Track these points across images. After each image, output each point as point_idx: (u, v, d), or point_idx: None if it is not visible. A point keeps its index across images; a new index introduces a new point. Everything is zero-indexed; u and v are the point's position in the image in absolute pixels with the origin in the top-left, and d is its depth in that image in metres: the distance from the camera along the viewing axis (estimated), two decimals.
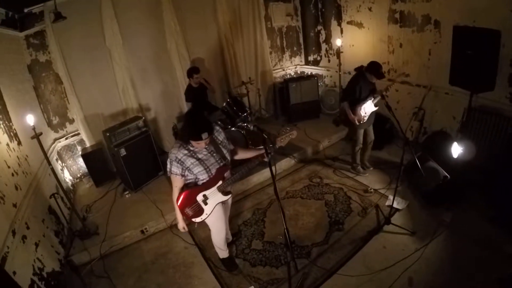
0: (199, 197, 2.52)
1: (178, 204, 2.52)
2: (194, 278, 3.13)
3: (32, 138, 3.18)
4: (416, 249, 3.07)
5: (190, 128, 2.31)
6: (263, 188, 4.52)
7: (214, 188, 2.55)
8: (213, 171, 2.48)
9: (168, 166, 2.44)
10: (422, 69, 4.56)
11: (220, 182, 2.55)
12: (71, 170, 5.04)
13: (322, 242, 3.39)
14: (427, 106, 4.59)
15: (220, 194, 2.59)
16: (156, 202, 4.18)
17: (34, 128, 3.15)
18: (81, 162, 4.93)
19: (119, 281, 3.17)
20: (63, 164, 4.87)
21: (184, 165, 2.41)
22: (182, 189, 2.52)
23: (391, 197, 3.74)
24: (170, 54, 5.30)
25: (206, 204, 2.56)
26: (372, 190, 4.10)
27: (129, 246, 3.69)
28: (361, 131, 4.18)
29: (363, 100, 3.90)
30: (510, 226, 3.03)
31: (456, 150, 3.41)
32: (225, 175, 2.59)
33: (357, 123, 4.00)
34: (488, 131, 3.74)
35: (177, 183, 2.50)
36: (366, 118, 3.98)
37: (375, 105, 3.97)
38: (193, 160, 2.41)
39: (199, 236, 3.69)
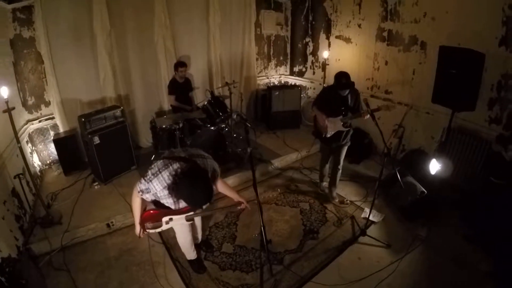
0: (165, 219, 2.38)
1: (141, 219, 2.33)
2: (159, 277, 2.89)
3: (4, 112, 2.90)
4: (391, 262, 3.01)
5: (193, 197, 1.95)
6: (237, 192, 4.32)
7: (182, 216, 2.41)
8: (184, 207, 2.36)
9: (142, 187, 2.12)
10: (405, 87, 4.65)
11: (191, 213, 2.44)
12: (41, 155, 4.68)
13: (295, 250, 3.26)
14: (407, 124, 4.67)
15: (184, 220, 2.46)
16: (126, 196, 3.89)
17: (7, 102, 2.87)
18: (52, 148, 4.63)
19: (78, 276, 2.88)
20: (33, 148, 4.51)
21: (158, 198, 2.21)
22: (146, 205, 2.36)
23: (367, 210, 3.69)
24: (156, 47, 5.13)
25: (167, 223, 2.43)
26: (348, 201, 4.04)
27: (92, 240, 3.41)
28: (325, 148, 3.89)
29: (332, 113, 3.49)
30: (485, 245, 3.05)
31: (435, 166, 3.45)
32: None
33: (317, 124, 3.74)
34: (466, 152, 3.83)
35: (140, 199, 2.27)
36: (329, 134, 3.57)
37: (344, 125, 3.47)
38: (170, 201, 2.23)
39: (168, 234, 3.45)
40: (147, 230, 2.42)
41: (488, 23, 3.54)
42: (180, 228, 2.62)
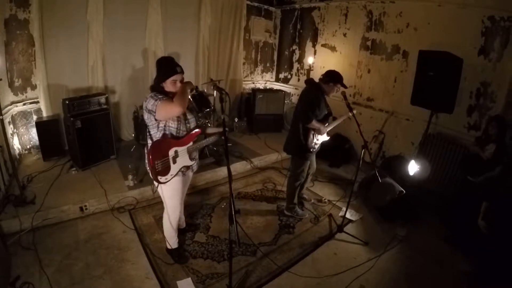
0: (171, 152, 2.33)
1: (150, 157, 2.23)
2: (126, 262, 2.73)
3: None
4: (369, 259, 2.96)
5: (166, 66, 2.30)
6: (215, 186, 4.24)
7: (185, 148, 2.41)
8: (190, 125, 2.43)
9: (155, 101, 2.17)
10: (386, 95, 4.75)
11: (191, 143, 2.46)
12: (21, 139, 4.48)
13: (270, 243, 3.15)
14: (388, 130, 4.73)
15: (187, 157, 2.45)
16: (102, 182, 3.76)
17: None
18: (33, 133, 4.47)
19: (45, 256, 2.71)
20: (15, 130, 4.30)
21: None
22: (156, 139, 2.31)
23: (345, 209, 3.64)
24: (146, 42, 5.12)
25: (174, 162, 2.36)
26: (326, 200, 3.99)
27: (64, 222, 3.23)
28: (308, 163, 3.41)
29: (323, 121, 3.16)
30: (464, 246, 3.04)
31: (413, 167, 3.46)
32: (196, 137, 2.51)
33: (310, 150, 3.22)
34: (444, 156, 3.90)
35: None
36: (317, 147, 3.26)
37: (328, 134, 3.26)
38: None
39: (141, 221, 3.32)
40: (158, 178, 2.27)
41: (468, 33, 3.71)
42: (173, 200, 2.53)
